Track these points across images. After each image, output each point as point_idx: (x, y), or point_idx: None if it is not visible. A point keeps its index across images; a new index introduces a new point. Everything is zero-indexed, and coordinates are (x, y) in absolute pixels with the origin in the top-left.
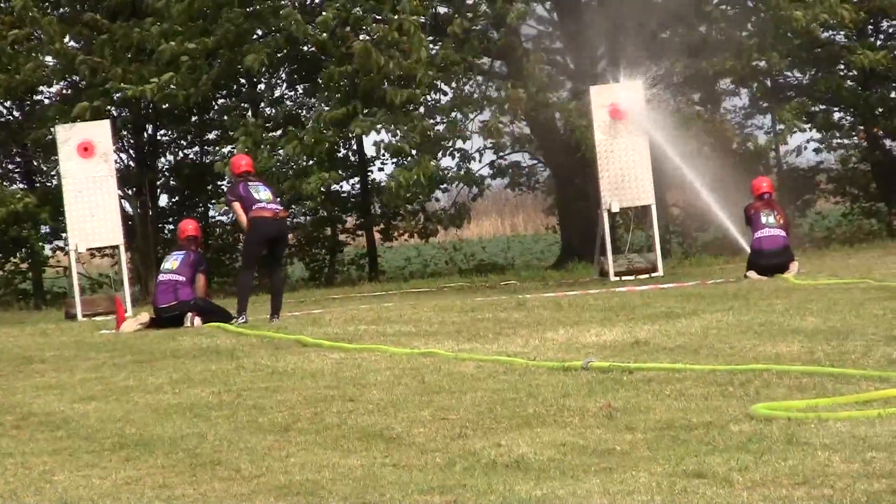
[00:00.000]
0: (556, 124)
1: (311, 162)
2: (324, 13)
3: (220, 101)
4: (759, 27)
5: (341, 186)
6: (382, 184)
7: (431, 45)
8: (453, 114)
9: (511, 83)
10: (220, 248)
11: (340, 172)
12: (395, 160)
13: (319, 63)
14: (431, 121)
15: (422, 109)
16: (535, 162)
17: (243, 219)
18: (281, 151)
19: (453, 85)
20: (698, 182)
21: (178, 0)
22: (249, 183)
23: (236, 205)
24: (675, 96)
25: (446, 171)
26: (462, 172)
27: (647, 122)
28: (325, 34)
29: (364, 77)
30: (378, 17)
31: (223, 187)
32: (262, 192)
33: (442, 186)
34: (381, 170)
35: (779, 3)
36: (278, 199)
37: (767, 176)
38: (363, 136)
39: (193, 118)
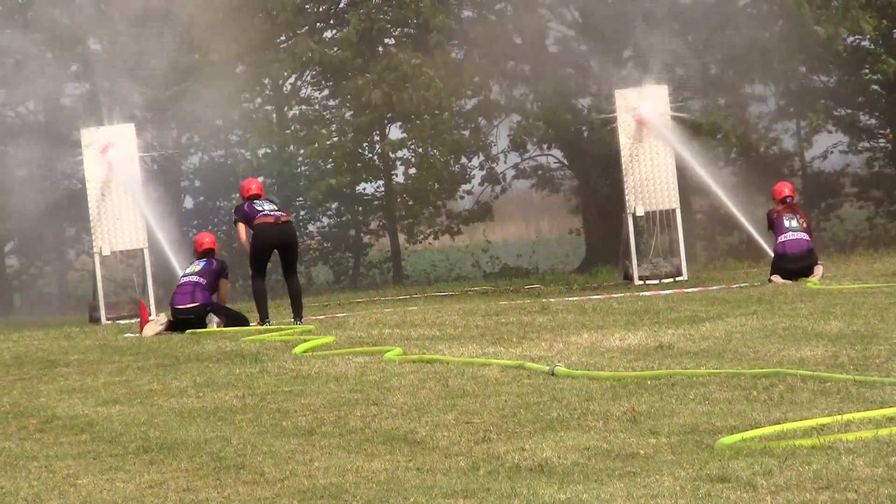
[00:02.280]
0: (581, 128)
1: (329, 165)
2: (348, 17)
3: (245, 104)
4: (784, 32)
5: (364, 189)
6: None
7: (456, 53)
8: (479, 121)
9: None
10: (242, 251)
11: (364, 177)
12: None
13: (344, 67)
14: (457, 131)
15: (446, 115)
16: (559, 165)
17: (243, 237)
18: (302, 152)
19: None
20: (720, 188)
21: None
22: (255, 201)
23: (241, 226)
24: (701, 100)
25: (470, 170)
26: (485, 172)
27: (669, 129)
28: (347, 52)
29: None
30: (401, 28)
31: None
32: (265, 205)
33: (466, 188)
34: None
35: (801, 17)
36: (281, 209)
37: (792, 180)
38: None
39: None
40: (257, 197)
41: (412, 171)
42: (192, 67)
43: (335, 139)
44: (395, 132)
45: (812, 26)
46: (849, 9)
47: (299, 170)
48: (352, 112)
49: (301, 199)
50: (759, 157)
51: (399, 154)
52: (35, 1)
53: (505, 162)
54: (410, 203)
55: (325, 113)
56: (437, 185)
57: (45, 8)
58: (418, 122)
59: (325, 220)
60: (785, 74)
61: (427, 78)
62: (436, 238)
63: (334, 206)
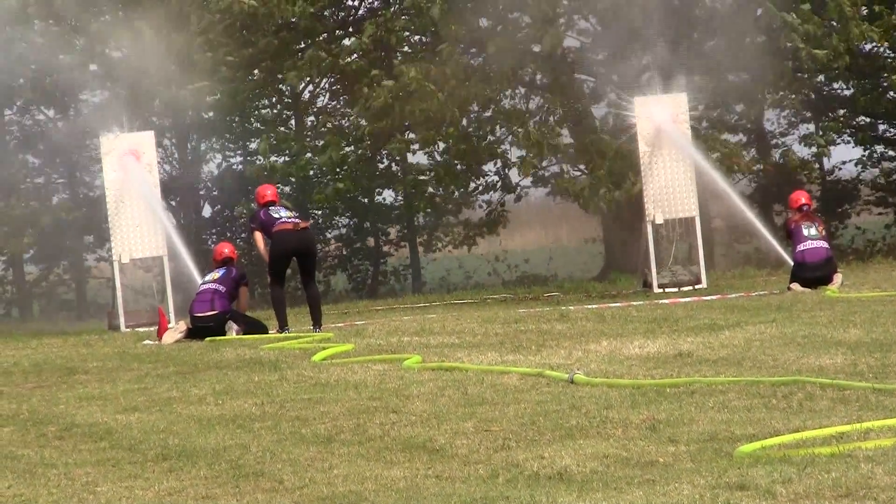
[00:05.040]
0: (599, 134)
1: (343, 171)
2: (366, 25)
3: (264, 110)
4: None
5: (384, 198)
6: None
7: (472, 59)
8: (497, 128)
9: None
10: (261, 259)
11: (381, 184)
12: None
13: (360, 77)
14: (473, 138)
15: (452, 129)
16: (578, 173)
17: (261, 245)
18: (317, 158)
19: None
20: (739, 197)
21: (221, 20)
22: (270, 208)
23: (257, 234)
24: (715, 108)
25: (486, 177)
26: (499, 180)
27: (685, 138)
28: (361, 60)
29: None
30: (418, 37)
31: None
32: (282, 212)
33: (483, 197)
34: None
35: (797, 42)
36: (298, 216)
37: (809, 188)
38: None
39: (236, 128)
40: (272, 203)
41: (429, 176)
42: (209, 73)
43: (349, 148)
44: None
45: (810, 51)
46: (848, 23)
47: (315, 178)
48: (366, 124)
49: (318, 209)
50: (776, 166)
51: (415, 158)
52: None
53: (520, 174)
54: (428, 211)
55: (342, 121)
56: (452, 190)
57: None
58: (429, 131)
59: (344, 229)
60: (802, 84)
61: (429, 92)
62: (456, 247)
63: (353, 219)
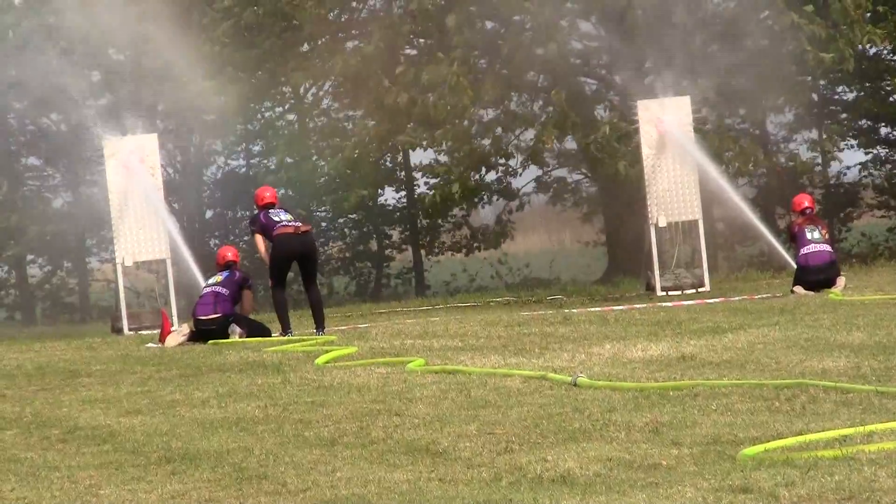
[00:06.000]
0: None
1: (356, 175)
2: (370, 29)
3: (267, 113)
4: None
5: (386, 200)
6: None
7: (480, 62)
8: (497, 130)
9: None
10: (260, 261)
11: (381, 191)
12: (437, 178)
13: (368, 78)
14: (479, 139)
15: (466, 124)
16: (580, 177)
17: (262, 249)
18: (324, 164)
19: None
20: (742, 200)
21: (224, 18)
22: (270, 211)
23: (258, 237)
24: (720, 112)
25: (489, 184)
26: (503, 186)
27: (690, 141)
28: (373, 66)
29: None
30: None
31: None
32: (282, 215)
33: (483, 200)
34: (426, 184)
35: (804, 45)
36: (298, 218)
37: (811, 191)
38: (409, 150)
39: (238, 129)
40: (272, 205)
41: (434, 180)
42: (211, 75)
43: (357, 152)
44: None
45: (817, 53)
46: (853, 25)
47: (322, 181)
48: (374, 122)
49: (324, 209)
50: (778, 168)
51: (422, 158)
52: (58, 10)
53: (521, 175)
54: (430, 215)
55: (346, 124)
56: (457, 193)
57: (67, 17)
58: (440, 130)
59: (347, 231)
60: (804, 87)
61: (462, 88)
62: (458, 251)
63: (355, 217)
